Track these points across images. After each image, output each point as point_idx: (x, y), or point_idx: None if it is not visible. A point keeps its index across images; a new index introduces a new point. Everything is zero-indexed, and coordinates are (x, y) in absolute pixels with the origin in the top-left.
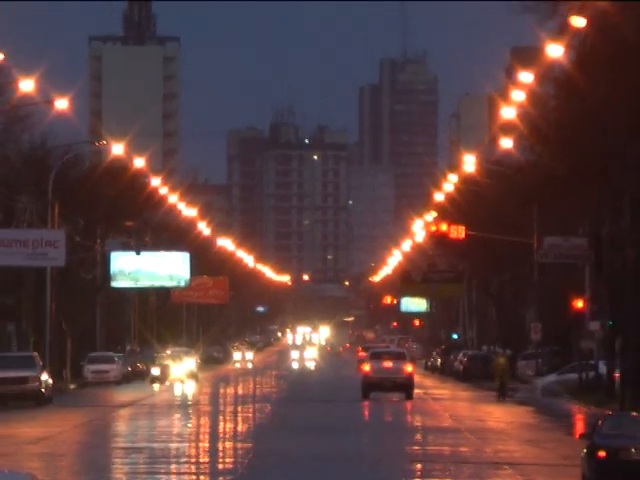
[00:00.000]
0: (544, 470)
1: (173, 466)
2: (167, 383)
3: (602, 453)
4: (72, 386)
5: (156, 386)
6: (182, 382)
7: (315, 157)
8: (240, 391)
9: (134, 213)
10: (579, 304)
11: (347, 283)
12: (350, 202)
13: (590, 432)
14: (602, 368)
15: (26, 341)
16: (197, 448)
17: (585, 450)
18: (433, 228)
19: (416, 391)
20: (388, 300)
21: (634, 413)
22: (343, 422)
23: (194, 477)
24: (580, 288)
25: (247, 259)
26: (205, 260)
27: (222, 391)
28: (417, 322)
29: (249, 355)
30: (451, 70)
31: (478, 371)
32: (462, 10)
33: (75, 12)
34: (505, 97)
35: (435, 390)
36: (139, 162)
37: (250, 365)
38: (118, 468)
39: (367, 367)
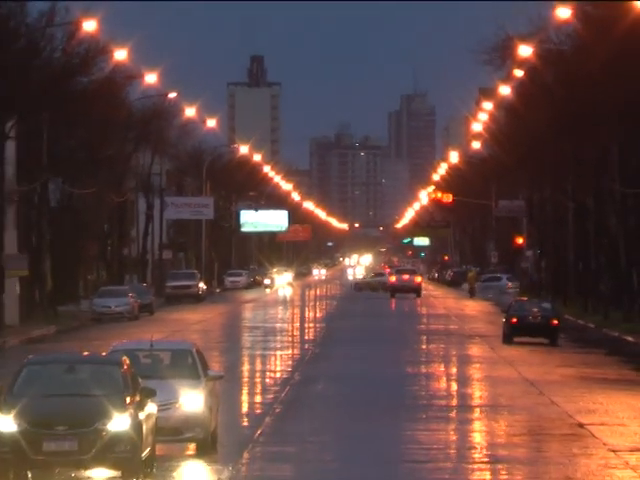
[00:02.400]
0: (497, 337)
1: (278, 337)
2: (274, 288)
3: (514, 319)
4: (217, 290)
5: (267, 290)
6: (283, 287)
7: (362, 154)
8: (318, 293)
9: (255, 186)
10: (519, 240)
11: (381, 228)
12: (383, 180)
13: (507, 309)
14: (534, 277)
15: (190, 263)
16: (292, 326)
17: (504, 319)
18: (432, 195)
19: (422, 292)
20: (406, 239)
21: (535, 300)
22: (379, 310)
23: (291, 343)
24: (520, 230)
25: (321, 215)
26: (296, 215)
27: (307, 293)
28: (423, 252)
29: (323, 271)
30: (443, 100)
31: (459, 280)
32: (450, 62)
33: (216, 65)
34: (475, 117)
35: (434, 292)
36: (257, 157)
37: (324, 277)
38: (245, 338)
39: (393, 278)
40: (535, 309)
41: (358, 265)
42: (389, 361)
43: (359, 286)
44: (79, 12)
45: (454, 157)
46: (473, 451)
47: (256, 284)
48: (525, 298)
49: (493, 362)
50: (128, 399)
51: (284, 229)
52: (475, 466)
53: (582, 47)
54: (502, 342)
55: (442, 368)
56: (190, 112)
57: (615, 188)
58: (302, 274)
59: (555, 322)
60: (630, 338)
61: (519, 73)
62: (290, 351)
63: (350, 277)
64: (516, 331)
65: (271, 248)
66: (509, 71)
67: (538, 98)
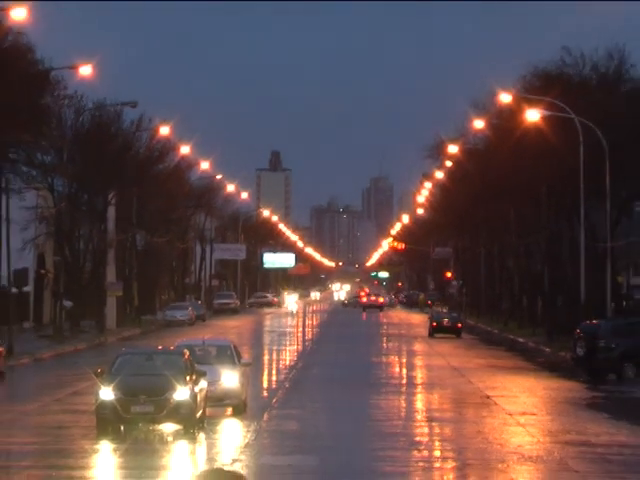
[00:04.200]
0: (432, 338)
1: (287, 337)
2: (285, 305)
3: (434, 323)
4: (247, 306)
5: (278, 307)
6: (290, 305)
7: (344, 216)
8: (314, 308)
9: (273, 237)
10: (448, 274)
11: (357, 266)
12: (358, 234)
13: (430, 317)
14: (458, 299)
15: (229, 287)
16: (297, 330)
17: (428, 321)
18: (391, 244)
19: (385, 310)
20: (373, 273)
21: (447, 311)
22: (355, 320)
23: (296, 341)
24: (449, 267)
25: (317, 256)
26: (300, 256)
27: (307, 308)
28: (384, 282)
29: (317, 294)
30: (399, 181)
31: (412, 301)
32: (404, 155)
33: (245, 155)
34: (419, 192)
35: (390, 311)
36: (274, 218)
37: (318, 298)
38: (265, 338)
39: (364, 299)
40: (447, 317)
41: (341, 290)
42: (361, 353)
43: (344, 304)
44: (158, 120)
45: (405, 219)
46: (416, 414)
47: (273, 304)
48: (442, 310)
49: (430, 355)
50: (187, 378)
51: (292, 266)
52: (417, 424)
53: (490, 146)
54: (427, 336)
55: (396, 358)
56: (230, 188)
57: (512, 240)
58: (304, 296)
59: (459, 325)
60: (521, 339)
61: (449, 163)
62: (295, 346)
63: (336, 298)
64: (435, 330)
65: (283, 278)
66: (442, 162)
67: (461, 180)
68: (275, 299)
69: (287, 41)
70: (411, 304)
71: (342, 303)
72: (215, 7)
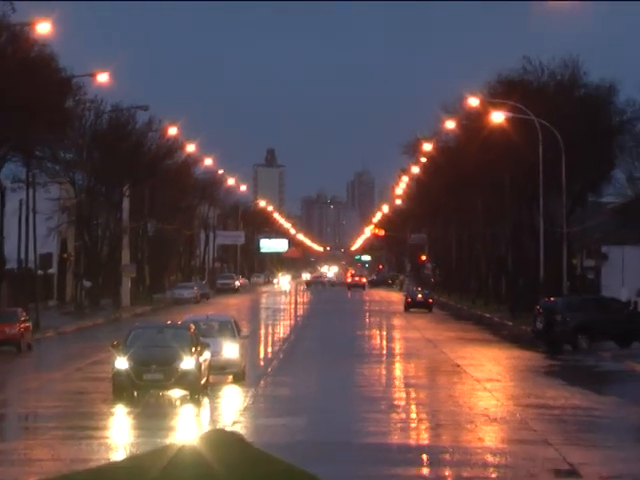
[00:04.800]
0: (409, 313)
1: (281, 313)
2: (279, 284)
3: (409, 299)
4: (247, 285)
5: (275, 286)
6: (284, 284)
7: (332, 206)
8: (304, 287)
9: (269, 225)
10: (423, 257)
11: (342, 250)
12: (344, 222)
13: (405, 294)
14: (431, 279)
15: (230, 270)
16: (290, 307)
17: (403, 297)
18: (373, 231)
19: (367, 289)
20: (357, 257)
21: (420, 289)
22: (341, 297)
23: (289, 317)
24: (423, 251)
25: (307, 242)
26: (293, 241)
27: (298, 287)
28: (367, 264)
29: (308, 275)
30: (380, 175)
31: (390, 281)
32: (385, 152)
33: (243, 153)
34: (398, 185)
35: (372, 290)
36: (270, 208)
37: (308, 278)
38: (262, 314)
39: (349, 279)
40: (420, 294)
41: (329, 272)
42: (346, 327)
43: (332, 283)
44: (167, 121)
45: (385, 209)
46: (395, 380)
47: (269, 282)
48: (415, 288)
49: (407, 328)
50: (193, 349)
51: (285, 250)
52: (396, 389)
53: (460, 144)
54: (403, 311)
55: (377, 332)
56: (231, 181)
57: (480, 228)
58: (295, 277)
59: (430, 301)
60: (487, 315)
61: (423, 159)
62: (289, 322)
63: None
64: (410, 306)
65: (278, 261)
66: (418, 158)
67: (434, 174)
68: (271, 279)
69: (280, 44)
70: (379, 284)
71: (331, 283)
72: (215, 7)
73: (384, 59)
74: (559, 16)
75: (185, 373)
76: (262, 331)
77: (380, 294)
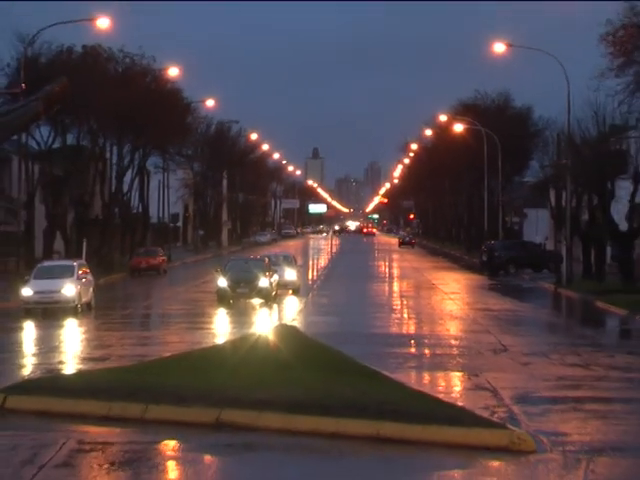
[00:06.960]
0: (404, 251)
1: (322, 252)
2: (322, 234)
3: (400, 240)
4: (301, 233)
5: (322, 234)
6: (325, 233)
7: (354, 184)
8: (337, 234)
9: (315, 196)
10: (412, 216)
11: (360, 211)
12: (362, 194)
13: (398, 237)
14: (417, 231)
15: (292, 224)
16: (328, 247)
17: (398, 240)
18: (380, 199)
19: (377, 236)
20: (369, 216)
21: (407, 233)
22: (358, 241)
23: (328, 254)
24: (412, 211)
25: (339, 206)
26: (329, 206)
27: (332, 235)
28: (375, 220)
29: (337, 227)
30: (386, 164)
31: (392, 233)
32: (388, 148)
33: (297, 147)
34: (395, 170)
35: (381, 237)
36: (315, 185)
37: (337, 228)
38: (309, 252)
39: (365, 230)
40: (407, 237)
41: (352, 225)
42: (363, 260)
43: (354, 232)
44: (250, 129)
45: (388, 185)
46: (393, 293)
47: (318, 232)
48: (405, 234)
49: (401, 260)
50: (267, 273)
51: (325, 212)
52: (394, 299)
53: (434, 145)
54: (397, 247)
55: (383, 262)
56: (290, 168)
57: (447, 198)
58: (331, 228)
59: (413, 241)
60: (452, 252)
61: (411, 154)
62: (325, 256)
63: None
64: (401, 244)
65: (320, 219)
66: (408, 153)
67: (418, 164)
68: (319, 230)
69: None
70: (389, 231)
71: (351, 232)
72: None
73: (384, 84)
74: (496, 61)
75: (262, 288)
76: (310, 262)
77: (384, 239)
